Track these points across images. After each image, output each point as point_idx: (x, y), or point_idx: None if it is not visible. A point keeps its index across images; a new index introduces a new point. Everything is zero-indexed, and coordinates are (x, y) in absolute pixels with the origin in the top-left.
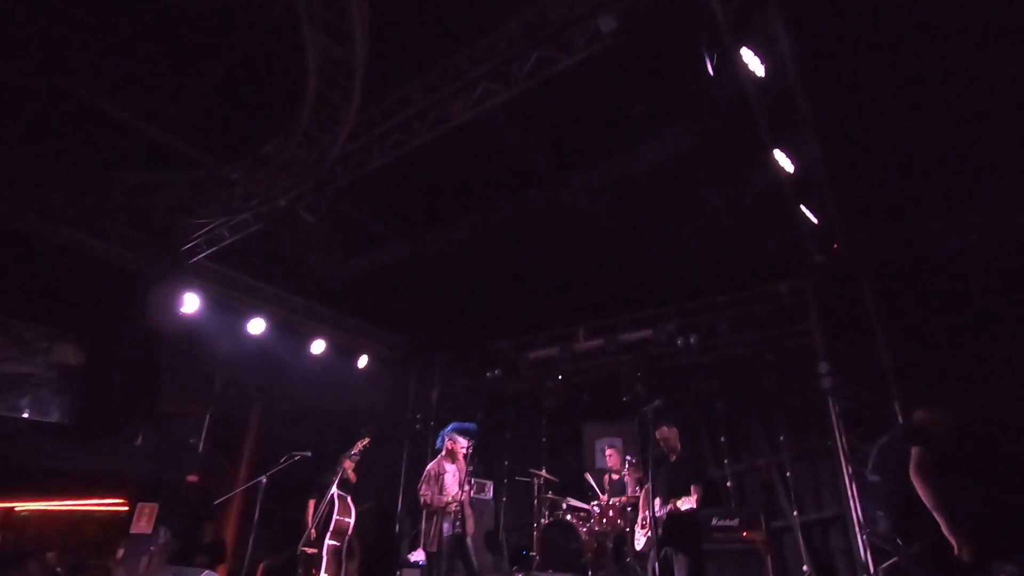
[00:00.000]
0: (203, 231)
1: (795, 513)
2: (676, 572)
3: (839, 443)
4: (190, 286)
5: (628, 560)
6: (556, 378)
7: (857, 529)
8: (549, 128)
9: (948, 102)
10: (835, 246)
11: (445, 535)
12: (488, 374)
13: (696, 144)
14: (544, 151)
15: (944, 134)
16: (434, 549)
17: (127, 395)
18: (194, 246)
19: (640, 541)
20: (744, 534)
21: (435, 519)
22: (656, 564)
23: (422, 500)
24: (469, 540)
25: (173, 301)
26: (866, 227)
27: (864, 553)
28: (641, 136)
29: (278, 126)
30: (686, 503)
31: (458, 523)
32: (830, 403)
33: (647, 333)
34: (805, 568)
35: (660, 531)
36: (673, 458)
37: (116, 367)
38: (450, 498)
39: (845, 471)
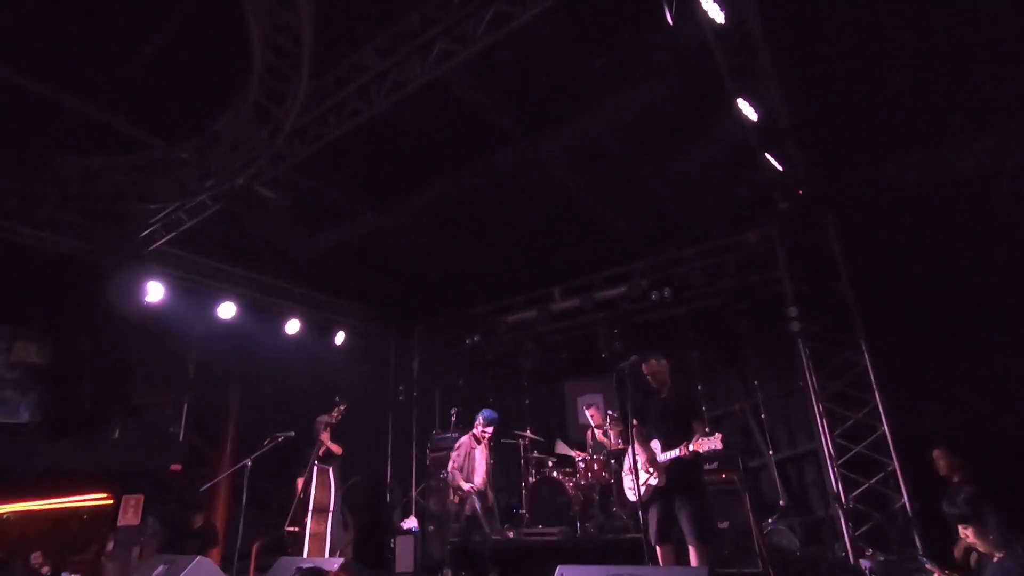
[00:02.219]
0: (159, 216)
1: (770, 452)
2: (680, 516)
3: (809, 383)
4: (152, 274)
5: (614, 509)
6: (535, 340)
7: (828, 462)
8: (511, 88)
9: (908, 44)
10: (799, 192)
11: (468, 506)
12: (467, 341)
13: (660, 98)
14: (508, 112)
15: (903, 77)
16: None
17: (98, 389)
18: (152, 232)
19: (633, 489)
20: (723, 476)
21: (462, 498)
22: (657, 512)
23: (450, 476)
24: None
25: (135, 291)
26: (829, 172)
27: (835, 484)
28: (605, 92)
29: (227, 101)
30: (706, 444)
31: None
32: (799, 345)
33: (621, 290)
34: (781, 502)
35: (664, 478)
36: (664, 393)
37: (83, 362)
38: (478, 482)
39: (816, 409)
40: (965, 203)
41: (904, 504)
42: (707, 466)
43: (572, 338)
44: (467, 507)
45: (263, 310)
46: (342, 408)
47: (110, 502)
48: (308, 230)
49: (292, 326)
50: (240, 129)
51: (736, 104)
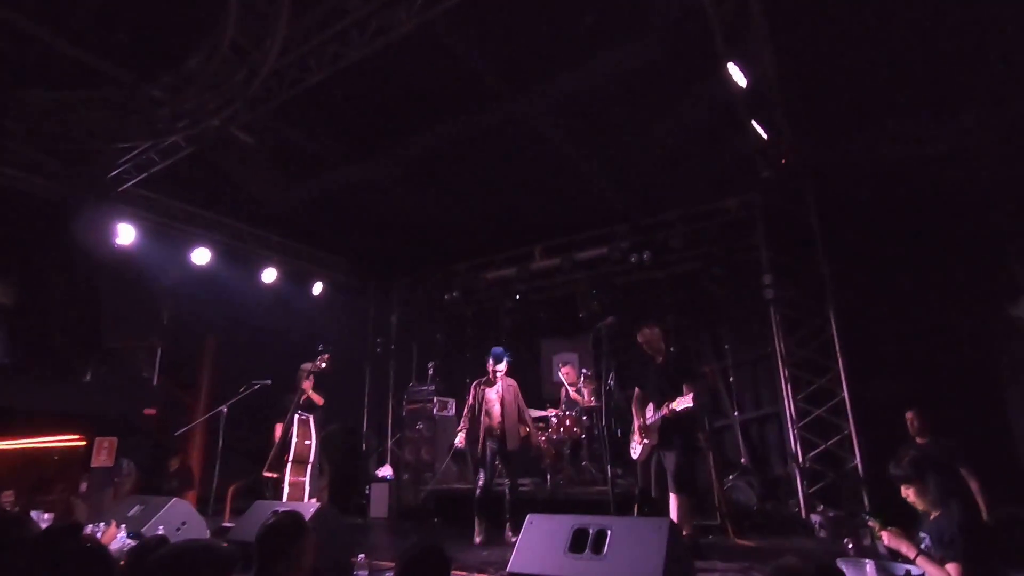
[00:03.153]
0: (130, 156)
1: (736, 413)
2: (666, 468)
3: (778, 349)
4: (123, 216)
5: (584, 463)
6: (514, 298)
7: (789, 424)
8: (500, 41)
9: (895, 19)
10: (783, 161)
11: (490, 451)
12: (446, 296)
13: (650, 59)
14: (495, 65)
15: (889, 51)
16: (483, 465)
17: (68, 332)
18: (121, 172)
19: (636, 450)
20: None
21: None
22: (654, 471)
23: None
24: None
25: (105, 232)
26: (812, 143)
27: (794, 445)
28: (595, 50)
29: (203, 38)
30: (681, 403)
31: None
32: (771, 312)
33: (602, 251)
34: (743, 460)
35: (656, 436)
36: (660, 359)
37: (53, 304)
38: (490, 422)
39: (782, 373)
40: (941, 179)
41: (856, 465)
42: None
43: (551, 297)
44: (480, 450)
45: (239, 257)
46: (326, 357)
47: (83, 444)
48: (286, 178)
49: (269, 275)
50: (215, 69)
51: (727, 68)
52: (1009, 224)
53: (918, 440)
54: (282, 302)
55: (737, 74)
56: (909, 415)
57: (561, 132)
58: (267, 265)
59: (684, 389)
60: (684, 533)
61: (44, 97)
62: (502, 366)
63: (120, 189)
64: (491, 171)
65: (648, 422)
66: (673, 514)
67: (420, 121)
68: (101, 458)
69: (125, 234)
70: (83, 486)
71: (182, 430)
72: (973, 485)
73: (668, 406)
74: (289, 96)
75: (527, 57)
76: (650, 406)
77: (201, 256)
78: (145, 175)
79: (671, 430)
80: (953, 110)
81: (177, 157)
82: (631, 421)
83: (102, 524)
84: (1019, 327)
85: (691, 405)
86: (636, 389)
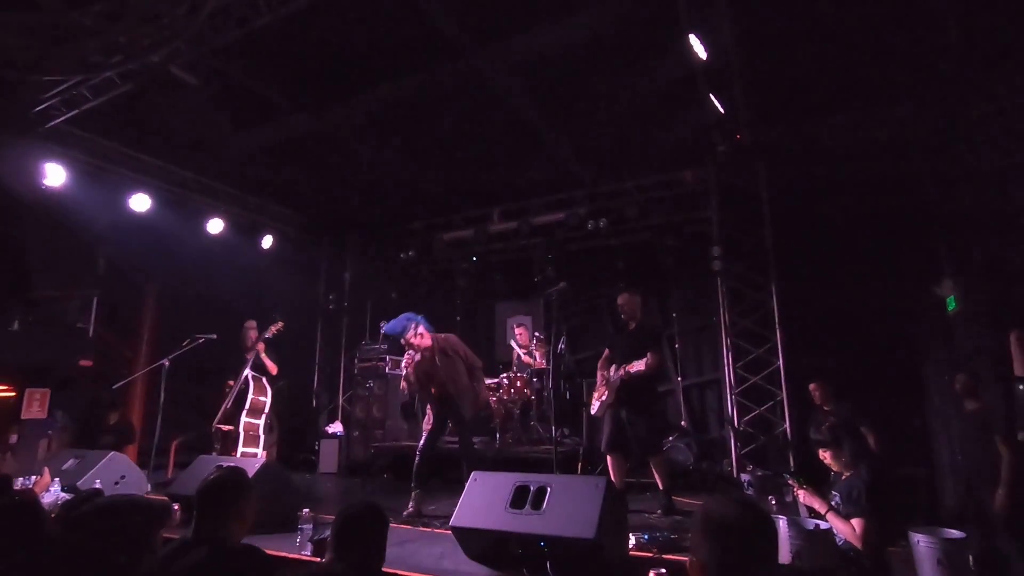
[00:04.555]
0: (57, 90)
1: (679, 378)
2: (633, 432)
3: (722, 319)
4: (51, 155)
5: (532, 424)
6: (470, 259)
7: (728, 390)
8: None
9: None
10: (737, 137)
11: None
12: (402, 255)
13: (613, 25)
14: (456, 18)
15: (842, 38)
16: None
17: None
18: (49, 108)
19: (595, 406)
20: None
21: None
22: (610, 423)
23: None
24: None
25: (30, 171)
26: (765, 121)
27: (731, 409)
28: (558, 14)
29: None
30: (636, 365)
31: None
32: (719, 284)
33: (559, 216)
34: (683, 423)
35: (614, 395)
36: (632, 326)
37: None
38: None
39: (724, 342)
40: (880, 166)
41: (785, 429)
42: None
43: (507, 260)
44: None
45: (182, 206)
46: (280, 325)
47: (12, 395)
48: (233, 125)
49: (215, 225)
50: (152, 0)
51: (688, 38)
52: (936, 211)
53: (824, 408)
54: (229, 254)
55: (697, 46)
56: (812, 386)
57: (523, 95)
58: (213, 215)
59: (648, 356)
60: (660, 488)
61: None
62: (408, 335)
63: (47, 126)
64: (451, 131)
65: (611, 378)
66: (611, 473)
67: (378, 72)
68: (33, 410)
69: (53, 175)
70: (13, 438)
71: (121, 383)
72: (870, 439)
73: (625, 368)
74: (236, 37)
75: (490, 13)
76: (613, 367)
77: (140, 202)
78: (75, 112)
79: (631, 392)
80: (892, 101)
81: (111, 95)
82: (579, 384)
83: (34, 477)
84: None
85: (642, 368)
86: (606, 350)
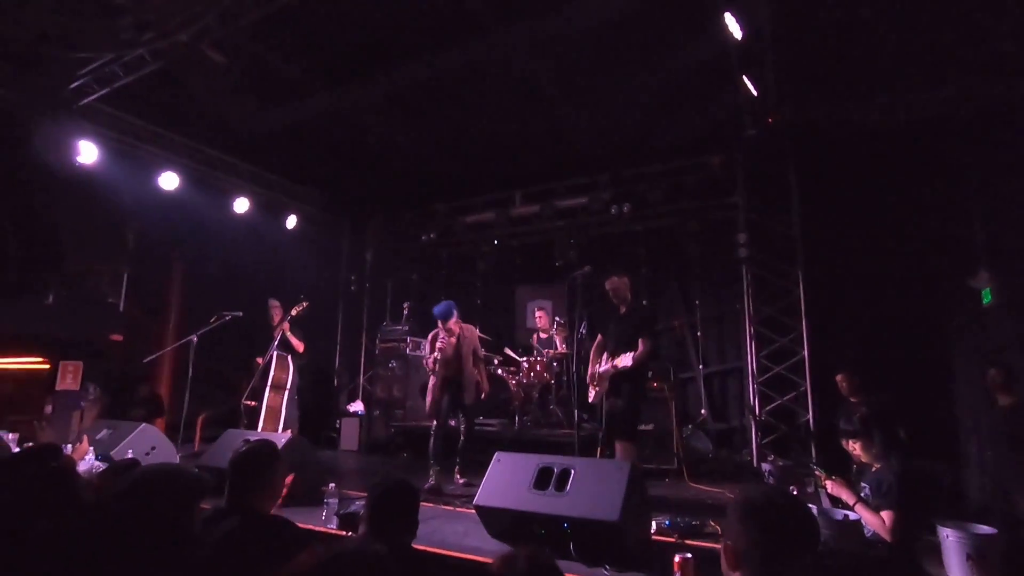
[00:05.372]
0: (90, 67)
1: (700, 366)
2: (609, 414)
3: (746, 306)
4: (84, 132)
5: (551, 407)
6: (492, 242)
7: (750, 379)
8: None
9: None
10: (769, 120)
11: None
12: (423, 237)
13: (642, 5)
14: None
15: (879, 17)
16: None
17: (26, 252)
18: (82, 85)
19: (591, 395)
20: (655, 384)
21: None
22: (604, 417)
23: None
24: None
25: (64, 148)
26: (798, 103)
27: (753, 398)
28: None
29: None
30: (623, 360)
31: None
32: (743, 271)
33: (583, 200)
34: (703, 411)
35: (606, 385)
36: (623, 310)
37: (7, 221)
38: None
39: (747, 330)
40: (917, 150)
41: (808, 420)
42: None
43: (528, 244)
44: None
45: (209, 184)
46: (305, 304)
47: (47, 367)
48: (259, 103)
49: (241, 204)
50: None
51: (723, 17)
52: (976, 199)
53: (852, 399)
54: (254, 233)
55: (733, 25)
56: (839, 377)
57: (548, 75)
58: (239, 194)
59: (639, 343)
60: None
61: None
62: (441, 323)
63: (81, 103)
64: (475, 111)
65: (600, 370)
66: (618, 458)
67: (402, 51)
68: (67, 381)
69: (87, 152)
70: (48, 408)
71: (150, 357)
72: (900, 432)
73: (612, 363)
74: (264, 15)
75: None
76: (604, 355)
77: (169, 181)
78: (108, 90)
79: (618, 381)
80: (933, 82)
81: (142, 72)
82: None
83: (68, 446)
84: (973, 297)
85: (629, 364)
86: (599, 336)
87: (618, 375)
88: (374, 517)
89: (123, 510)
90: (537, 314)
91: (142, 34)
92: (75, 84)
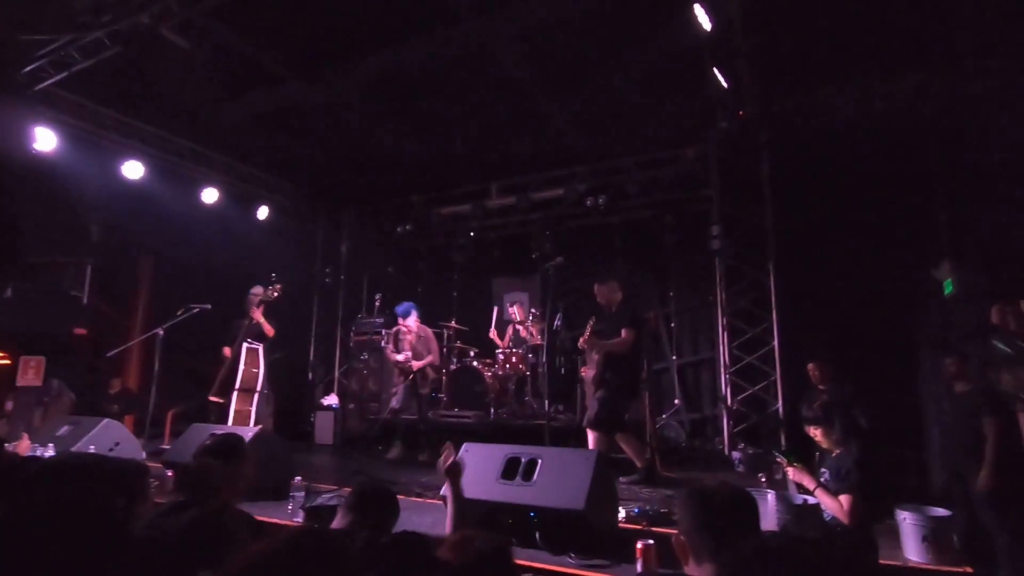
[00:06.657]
0: (45, 51)
1: (674, 357)
2: (592, 402)
3: (719, 298)
4: (41, 119)
5: (527, 399)
6: (468, 234)
7: (722, 369)
8: None
9: None
10: (740, 113)
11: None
12: (399, 229)
13: None
14: None
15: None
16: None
17: None
18: (37, 69)
19: (588, 376)
20: None
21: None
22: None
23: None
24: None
25: (19, 134)
26: (769, 96)
27: (725, 388)
28: None
29: None
30: (581, 340)
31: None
32: (716, 263)
33: (558, 192)
34: (676, 401)
35: (596, 371)
36: (612, 309)
37: None
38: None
39: (720, 322)
40: (885, 144)
41: (777, 408)
42: None
43: (505, 236)
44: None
45: (176, 174)
46: (279, 287)
47: (7, 362)
48: (228, 92)
49: (209, 195)
50: None
51: (692, 9)
52: (942, 192)
53: (820, 387)
54: (225, 225)
55: (703, 16)
56: (810, 366)
57: (524, 67)
58: (207, 184)
59: (622, 333)
60: (639, 466)
61: None
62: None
63: (37, 88)
64: (451, 102)
65: (586, 375)
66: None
67: (376, 38)
68: (28, 377)
69: (44, 139)
70: (8, 405)
71: (114, 352)
72: (862, 420)
73: (581, 340)
74: None
75: None
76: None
77: (133, 170)
78: (65, 75)
79: (601, 370)
80: (895, 74)
81: (101, 57)
82: (575, 360)
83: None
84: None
85: (607, 345)
86: (590, 323)
87: (605, 367)
88: (357, 512)
89: (35, 497)
90: (512, 308)
91: (100, 16)
92: (29, 68)
